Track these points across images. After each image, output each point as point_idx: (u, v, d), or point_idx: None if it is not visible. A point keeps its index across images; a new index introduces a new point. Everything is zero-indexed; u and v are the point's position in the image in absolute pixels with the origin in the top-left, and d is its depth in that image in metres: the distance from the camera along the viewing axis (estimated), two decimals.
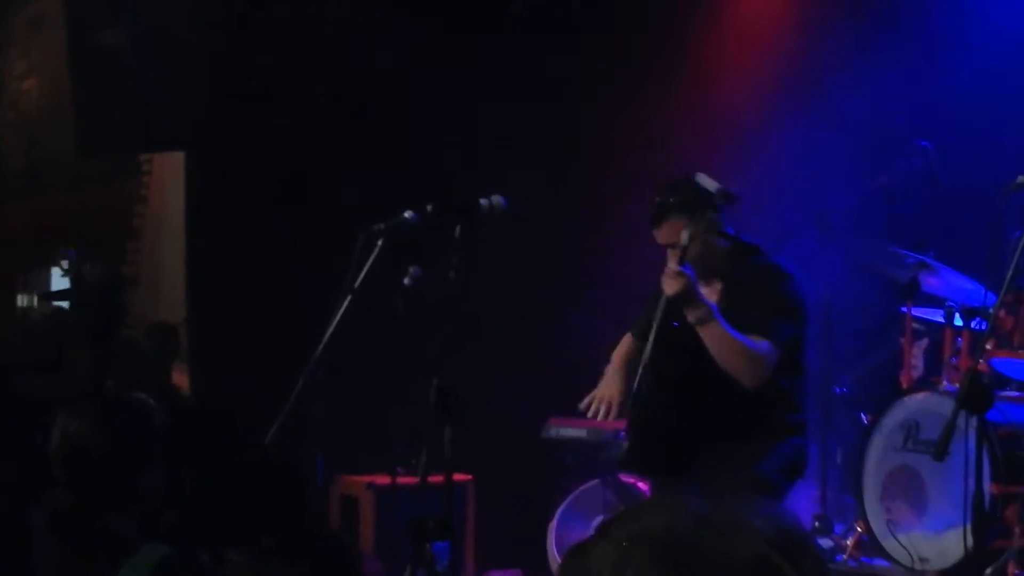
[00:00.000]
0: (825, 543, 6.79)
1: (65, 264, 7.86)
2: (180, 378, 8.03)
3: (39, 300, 9.15)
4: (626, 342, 5.67)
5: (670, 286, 5.01)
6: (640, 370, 5.24)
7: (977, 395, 4.13)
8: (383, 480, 7.29)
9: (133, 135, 8.59)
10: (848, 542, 6.64)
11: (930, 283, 6.78)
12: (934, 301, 6.89)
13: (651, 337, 5.17)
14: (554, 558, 7.22)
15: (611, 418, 5.43)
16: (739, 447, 5.16)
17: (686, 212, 5.18)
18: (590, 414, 5.49)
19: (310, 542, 3.44)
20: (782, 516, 1.48)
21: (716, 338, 5.00)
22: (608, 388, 5.51)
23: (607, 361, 5.73)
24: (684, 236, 5.06)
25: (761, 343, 5.02)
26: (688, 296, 4.99)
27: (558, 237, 8.28)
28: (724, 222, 5.29)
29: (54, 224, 10.29)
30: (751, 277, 5.22)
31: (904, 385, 6.75)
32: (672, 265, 5.04)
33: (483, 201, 5.18)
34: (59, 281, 10.02)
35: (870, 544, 6.44)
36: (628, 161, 8.21)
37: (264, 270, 8.06)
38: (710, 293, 5.22)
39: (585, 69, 8.40)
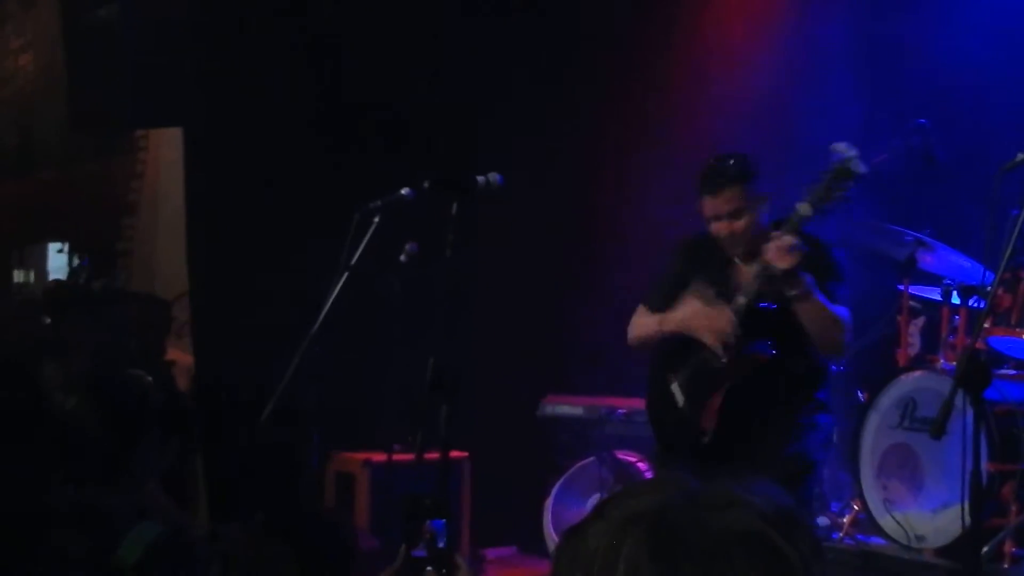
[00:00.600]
0: (821, 521, 6.79)
1: (77, 269, 7.87)
2: (175, 354, 8.00)
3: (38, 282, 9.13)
4: (644, 314, 5.49)
5: (784, 260, 4.89)
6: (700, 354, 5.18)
7: (975, 373, 4.12)
8: (379, 457, 7.29)
9: (128, 111, 8.56)
10: (844, 520, 6.64)
11: (927, 261, 6.77)
12: (931, 279, 6.88)
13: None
14: (550, 535, 7.23)
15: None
16: (785, 425, 5.18)
17: (746, 183, 5.13)
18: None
19: (304, 519, 3.43)
20: (776, 493, 1.48)
21: (817, 310, 4.97)
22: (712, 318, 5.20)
23: (615, 343, 5.68)
24: (805, 207, 4.92)
25: (842, 310, 5.06)
26: (797, 270, 4.92)
27: (555, 217, 8.26)
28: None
29: (48, 200, 10.27)
30: (816, 251, 5.11)
31: (901, 363, 6.75)
32: (787, 238, 4.90)
33: (480, 178, 5.16)
34: (56, 257, 10.01)
35: (867, 522, 6.44)
36: (628, 145, 8.20)
37: (263, 246, 8.03)
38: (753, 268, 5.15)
39: (584, 50, 8.37)
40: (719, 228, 5.16)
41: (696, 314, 5.20)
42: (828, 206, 4.93)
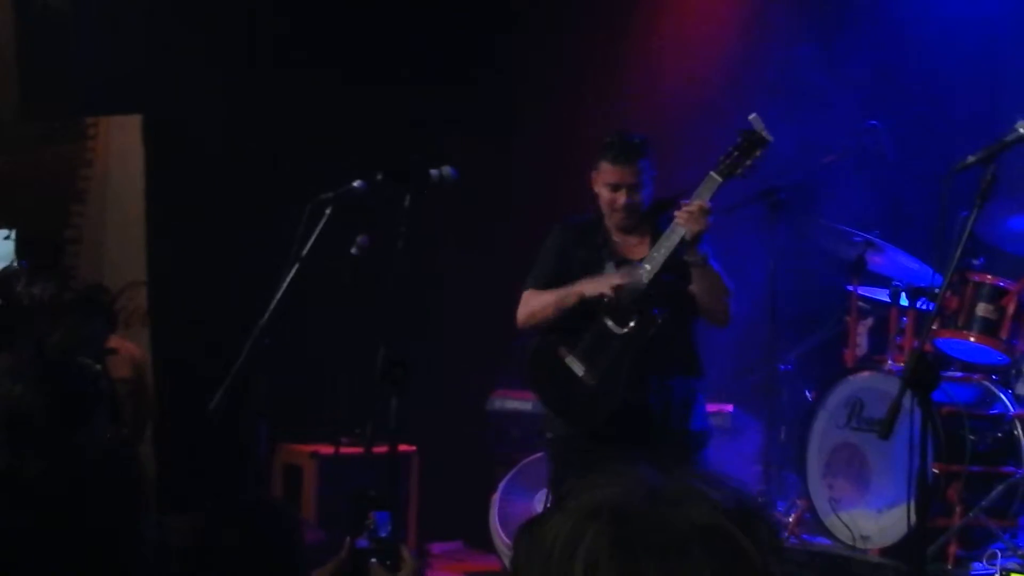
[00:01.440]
0: None
1: (14, 271, 7.79)
2: (117, 342, 7.92)
3: None
4: (535, 294, 5.56)
5: (699, 222, 5.06)
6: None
7: (924, 374, 4.14)
8: (327, 449, 7.27)
9: (79, 98, 8.49)
10: (790, 519, 6.67)
11: (876, 262, 6.81)
12: (880, 280, 6.92)
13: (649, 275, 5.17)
14: (496, 530, 7.23)
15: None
16: (687, 397, 5.35)
17: (649, 160, 5.36)
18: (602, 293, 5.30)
19: (250, 509, 3.41)
20: (735, 486, 1.48)
21: (711, 276, 5.18)
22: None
23: (504, 329, 5.73)
24: (715, 176, 5.10)
25: (728, 281, 5.26)
26: (701, 236, 5.09)
27: (505, 211, 8.26)
28: None
29: None
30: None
31: (849, 364, 6.78)
32: (701, 203, 5.07)
33: (433, 171, 5.16)
34: (1, 244, 9.90)
35: (812, 522, 6.47)
36: (577, 139, 8.19)
37: (219, 236, 7.99)
38: (638, 242, 5.39)
39: (534, 50, 8.37)
40: (617, 197, 5.32)
41: (594, 279, 5.33)
42: (738, 174, 5.11)
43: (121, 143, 8.61)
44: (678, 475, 1.48)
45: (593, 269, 5.36)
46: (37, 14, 8.26)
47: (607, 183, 5.35)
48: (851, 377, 6.49)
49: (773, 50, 7.90)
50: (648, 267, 5.15)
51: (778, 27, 7.90)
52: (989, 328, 6.24)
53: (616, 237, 5.44)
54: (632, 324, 5.20)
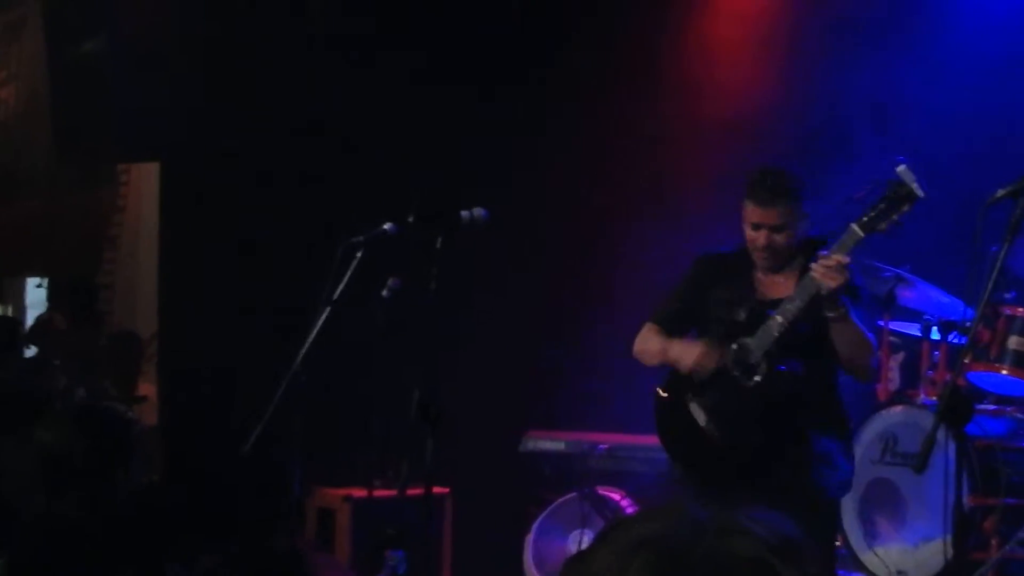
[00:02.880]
0: None
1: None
2: (147, 389, 8.00)
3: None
4: (651, 332, 5.34)
5: (834, 279, 4.77)
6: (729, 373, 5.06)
7: (957, 408, 4.14)
8: (360, 492, 7.27)
9: (110, 144, 8.57)
10: None
11: (906, 296, 6.80)
12: (911, 315, 6.91)
13: (772, 333, 4.94)
14: (530, 570, 7.21)
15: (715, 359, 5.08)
16: (819, 463, 5.06)
17: (796, 200, 5.07)
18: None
19: (273, 554, 3.43)
20: (781, 521, 1.49)
21: (852, 332, 4.88)
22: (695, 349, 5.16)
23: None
24: (859, 227, 4.85)
25: (871, 334, 4.99)
26: (840, 291, 4.82)
27: (539, 252, 8.28)
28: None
29: (31, 232, 10.24)
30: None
31: (881, 398, 6.77)
32: (838, 257, 4.79)
33: (464, 213, 5.19)
34: (34, 292, 9.98)
35: (848, 557, 6.44)
36: (609, 180, 8.23)
37: (239, 281, 8.04)
38: (785, 282, 5.12)
39: (566, 81, 8.40)
40: (758, 237, 5.07)
41: (690, 348, 5.14)
42: (881, 229, 4.86)
43: (148, 189, 8.69)
44: (722, 509, 1.49)
45: (733, 309, 5.13)
46: (71, 61, 8.36)
47: (750, 222, 5.10)
48: (884, 412, 6.47)
49: (803, 82, 7.91)
50: (780, 319, 4.91)
51: (808, 60, 7.91)
52: (1021, 361, 6.23)
53: (761, 273, 5.20)
54: (757, 378, 4.99)
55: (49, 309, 9.32)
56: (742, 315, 5.09)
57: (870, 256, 6.71)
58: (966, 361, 5.99)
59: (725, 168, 7.38)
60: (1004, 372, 6.26)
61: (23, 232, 10.37)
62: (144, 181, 8.94)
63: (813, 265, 4.82)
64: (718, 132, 7.98)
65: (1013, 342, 6.24)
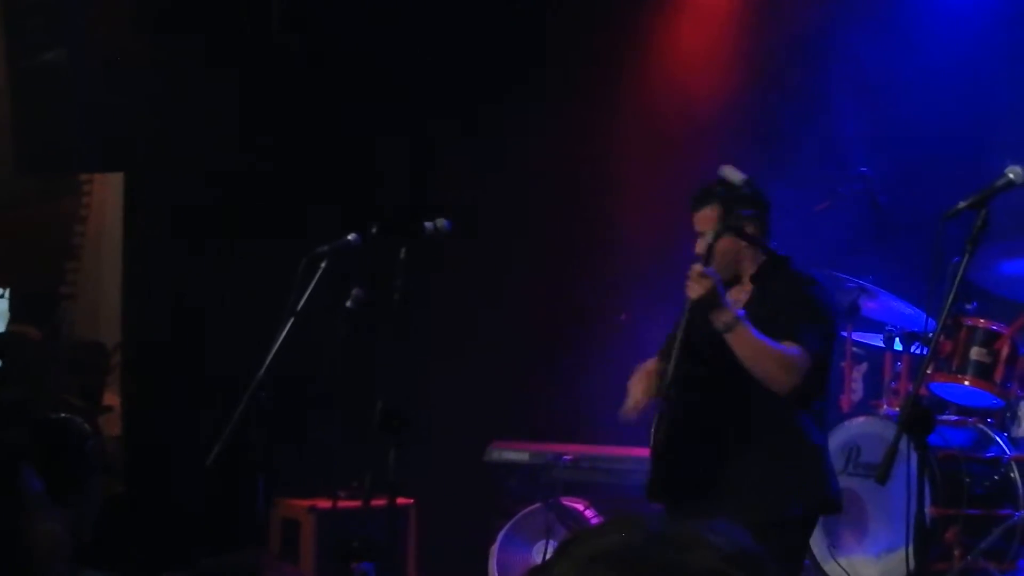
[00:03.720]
0: None
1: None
2: (112, 399, 7.95)
3: None
4: (650, 363, 5.25)
5: (693, 289, 4.74)
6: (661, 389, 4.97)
7: (920, 419, 4.15)
8: (324, 504, 7.25)
9: (73, 155, 8.52)
10: None
11: (869, 307, 6.83)
12: (874, 326, 6.94)
13: (674, 352, 4.82)
14: None
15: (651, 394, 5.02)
16: (763, 476, 4.94)
17: (722, 204, 4.96)
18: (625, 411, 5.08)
19: (243, 568, 3.41)
20: (740, 534, 1.49)
21: (745, 344, 4.74)
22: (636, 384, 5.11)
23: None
24: (709, 235, 4.86)
25: (792, 348, 4.80)
26: (713, 300, 4.74)
27: (505, 263, 8.28)
28: (767, 231, 5.09)
29: None
30: (783, 285, 4.99)
31: (844, 409, 6.80)
32: (697, 267, 4.77)
33: (428, 224, 5.19)
34: None
35: (812, 568, 6.46)
36: (579, 192, 8.25)
37: (204, 291, 8.02)
38: (738, 294, 5.04)
39: (546, 95, 8.40)
40: (696, 245, 5.01)
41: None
42: (740, 229, 4.89)
43: (111, 200, 8.64)
44: (681, 522, 1.49)
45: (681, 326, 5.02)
46: (32, 69, 8.31)
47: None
48: (847, 423, 6.50)
49: (765, 95, 7.95)
50: (678, 333, 4.86)
51: (770, 74, 7.95)
52: (983, 372, 6.27)
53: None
54: (671, 391, 4.89)
55: (11, 321, 9.26)
56: (675, 332, 4.99)
57: (833, 267, 6.75)
58: (928, 372, 6.02)
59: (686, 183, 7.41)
60: (966, 383, 6.30)
61: None
62: (107, 191, 8.89)
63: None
64: (686, 143, 8.01)
65: (975, 353, 6.28)
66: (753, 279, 5.08)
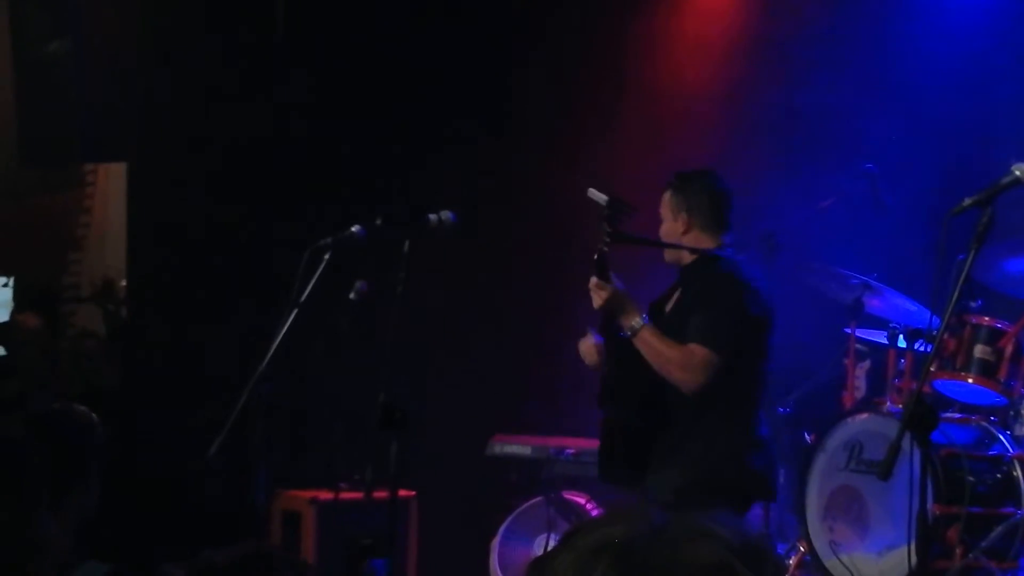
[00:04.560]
0: None
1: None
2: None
3: None
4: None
5: (594, 300, 5.09)
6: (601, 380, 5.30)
7: (922, 416, 4.14)
8: (326, 495, 7.24)
9: (77, 145, 8.51)
10: (790, 562, 6.65)
11: (874, 304, 6.82)
12: (878, 323, 6.93)
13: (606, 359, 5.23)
14: (496, 575, 7.20)
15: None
16: (692, 462, 5.17)
17: (672, 191, 5.35)
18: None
19: (255, 561, 3.40)
20: (743, 525, 1.49)
21: (646, 348, 5.06)
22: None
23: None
24: (600, 249, 5.11)
25: (696, 350, 5.05)
26: (615, 308, 5.06)
27: (507, 256, 8.27)
28: (710, 226, 5.34)
29: None
30: (704, 285, 5.23)
31: (847, 406, 6.78)
32: (592, 280, 5.08)
33: (432, 216, 5.19)
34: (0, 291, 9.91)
35: (812, 564, 6.46)
36: (575, 179, 8.21)
37: (206, 283, 8.01)
38: (677, 295, 5.34)
39: (531, 93, 8.39)
40: None
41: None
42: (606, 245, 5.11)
43: (115, 190, 8.64)
44: (684, 513, 1.49)
45: None
46: (36, 60, 8.29)
47: None
48: (850, 419, 6.49)
49: (771, 91, 7.93)
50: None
51: (776, 69, 7.93)
52: (987, 370, 6.25)
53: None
54: (610, 383, 5.27)
55: (15, 311, 9.25)
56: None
57: (837, 264, 6.74)
58: (932, 369, 6.01)
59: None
60: (970, 380, 6.28)
61: None
62: (111, 182, 8.88)
63: None
64: (688, 137, 7.99)
65: (979, 351, 6.27)
66: (681, 276, 5.38)
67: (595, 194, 5.08)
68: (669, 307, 5.36)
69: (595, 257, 5.08)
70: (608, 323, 5.12)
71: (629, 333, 5.05)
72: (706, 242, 5.31)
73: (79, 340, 8.65)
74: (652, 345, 5.04)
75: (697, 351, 5.04)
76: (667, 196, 5.34)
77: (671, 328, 5.12)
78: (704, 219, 5.31)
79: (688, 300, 5.24)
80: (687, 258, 5.32)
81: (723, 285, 5.20)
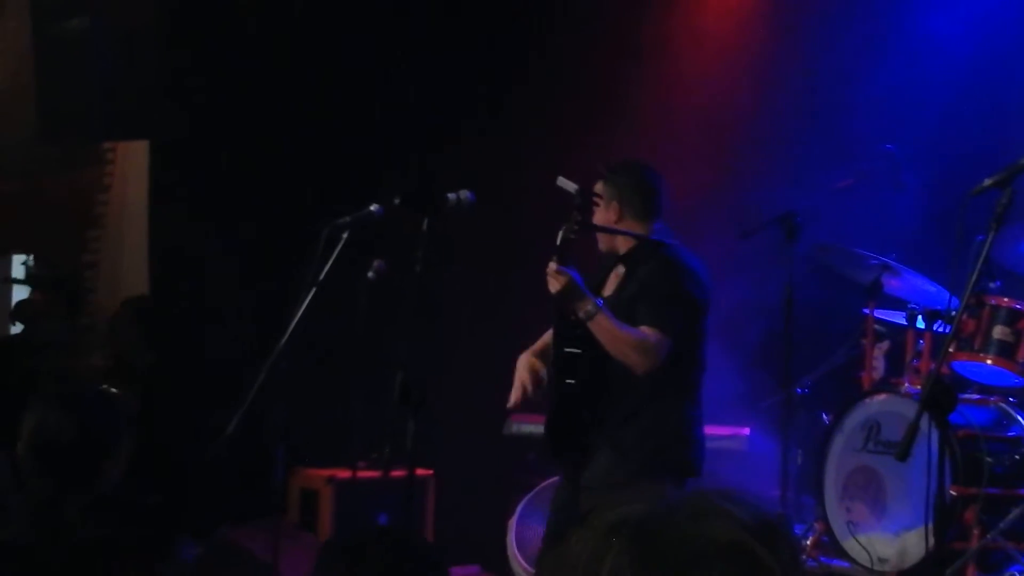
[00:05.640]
0: None
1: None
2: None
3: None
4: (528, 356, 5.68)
5: (552, 285, 5.15)
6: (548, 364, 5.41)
7: (941, 397, 4.14)
8: (344, 474, 7.26)
9: (96, 123, 8.53)
10: (808, 542, 6.65)
11: (892, 285, 6.81)
12: (896, 303, 6.92)
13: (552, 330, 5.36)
14: (514, 554, 7.22)
15: (529, 395, 5.47)
16: (631, 439, 5.27)
17: (606, 179, 5.45)
18: (510, 404, 5.53)
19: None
20: (757, 503, 1.49)
21: (603, 331, 5.12)
22: (518, 374, 5.55)
23: (521, 352, 5.74)
24: (560, 236, 5.17)
25: (650, 333, 5.15)
26: (571, 294, 5.11)
27: (526, 234, 8.26)
28: (645, 213, 5.43)
29: (14, 211, 10.20)
30: (650, 270, 5.32)
31: (865, 386, 6.77)
32: (551, 265, 5.14)
33: (451, 195, 5.19)
34: (19, 269, 9.95)
35: (830, 544, 6.46)
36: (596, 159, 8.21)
37: (227, 262, 8.02)
38: (616, 273, 5.47)
39: (547, 73, 8.37)
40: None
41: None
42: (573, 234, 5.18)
43: (134, 168, 8.65)
44: (700, 492, 1.49)
45: None
46: (55, 37, 8.31)
47: None
48: (868, 400, 6.48)
49: (791, 73, 7.91)
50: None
51: (797, 51, 7.91)
52: (1006, 351, 6.24)
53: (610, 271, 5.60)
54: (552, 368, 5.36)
55: (33, 289, 9.28)
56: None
57: (856, 244, 6.73)
58: (951, 350, 6.00)
59: (709, 160, 7.39)
60: (988, 362, 6.27)
61: (7, 212, 10.33)
62: (130, 160, 8.90)
63: None
64: (706, 122, 7.98)
65: (998, 332, 6.25)
66: (623, 261, 5.48)
67: (565, 183, 5.16)
68: (609, 292, 5.44)
69: (559, 243, 5.15)
70: (563, 308, 5.19)
71: (584, 317, 5.12)
72: (638, 229, 5.44)
73: (114, 316, 8.68)
74: (608, 328, 5.12)
75: (651, 334, 5.15)
76: (599, 186, 5.42)
77: (618, 312, 5.22)
78: (634, 208, 5.43)
79: (634, 285, 5.34)
80: (623, 245, 5.45)
81: (670, 270, 5.32)
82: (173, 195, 8.22)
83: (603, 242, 5.53)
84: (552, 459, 5.61)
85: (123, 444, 3.68)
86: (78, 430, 3.55)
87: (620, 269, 5.49)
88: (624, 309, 5.23)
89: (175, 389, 7.94)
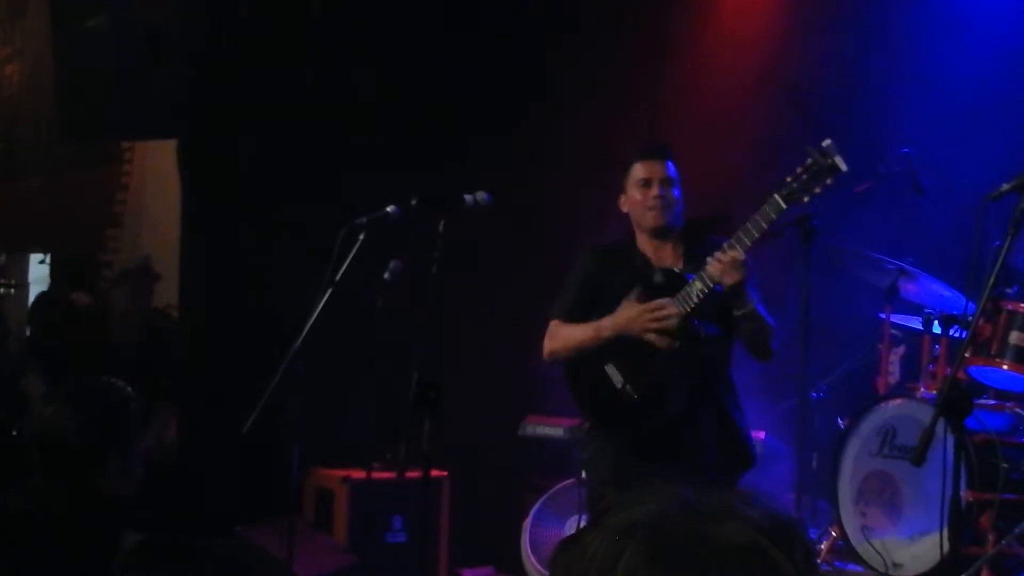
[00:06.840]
0: None
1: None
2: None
3: None
4: (564, 326, 5.42)
5: (731, 275, 4.92)
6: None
7: (957, 402, 4.14)
8: (359, 474, 7.27)
9: (115, 122, 8.56)
10: (822, 546, 6.65)
11: (909, 290, 6.80)
12: (913, 308, 6.91)
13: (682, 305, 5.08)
14: (528, 556, 7.22)
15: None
16: (730, 424, 5.25)
17: (676, 161, 5.32)
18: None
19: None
20: (772, 504, 1.49)
21: (757, 323, 5.05)
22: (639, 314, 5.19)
23: (537, 354, 5.60)
24: (777, 202, 4.93)
25: (771, 318, 5.13)
26: (742, 287, 4.97)
27: (540, 235, 8.27)
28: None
29: (33, 209, 10.24)
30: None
31: (881, 391, 6.77)
32: (738, 253, 4.90)
33: (467, 197, 5.19)
34: (37, 268, 9.99)
35: (844, 549, 6.45)
36: (611, 163, 8.21)
37: (255, 262, 8.04)
38: (674, 260, 5.28)
39: (569, 70, 8.38)
40: (649, 192, 5.23)
41: (640, 315, 5.14)
42: (803, 200, 4.93)
43: (157, 168, 8.68)
44: (715, 492, 1.49)
45: (645, 278, 5.23)
46: (76, 37, 8.33)
47: (639, 180, 5.27)
48: (883, 404, 6.48)
49: (807, 77, 7.91)
50: (699, 284, 5.00)
51: (813, 57, 7.90)
52: (1022, 356, 6.22)
53: (650, 253, 5.31)
54: (677, 343, 5.08)
55: (52, 286, 9.32)
56: (660, 278, 5.19)
57: (873, 249, 6.72)
58: (967, 355, 5.98)
59: (725, 161, 7.39)
60: (1005, 367, 6.25)
61: (25, 210, 10.37)
62: (149, 159, 8.94)
63: (709, 259, 4.96)
64: (728, 120, 7.97)
65: (1014, 337, 6.23)
66: (682, 239, 5.31)
67: (832, 149, 4.93)
68: (677, 267, 5.24)
69: (784, 206, 4.92)
70: (729, 299, 5.01)
71: (744, 310, 5.00)
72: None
73: (159, 314, 8.72)
74: (764, 319, 5.06)
75: (773, 320, 5.13)
76: (672, 165, 5.31)
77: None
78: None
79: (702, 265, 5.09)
80: (680, 222, 5.33)
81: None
82: (197, 195, 8.23)
83: (669, 216, 5.27)
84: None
85: (131, 441, 3.69)
86: (84, 426, 3.56)
87: (673, 252, 5.32)
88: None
89: (197, 384, 7.96)
